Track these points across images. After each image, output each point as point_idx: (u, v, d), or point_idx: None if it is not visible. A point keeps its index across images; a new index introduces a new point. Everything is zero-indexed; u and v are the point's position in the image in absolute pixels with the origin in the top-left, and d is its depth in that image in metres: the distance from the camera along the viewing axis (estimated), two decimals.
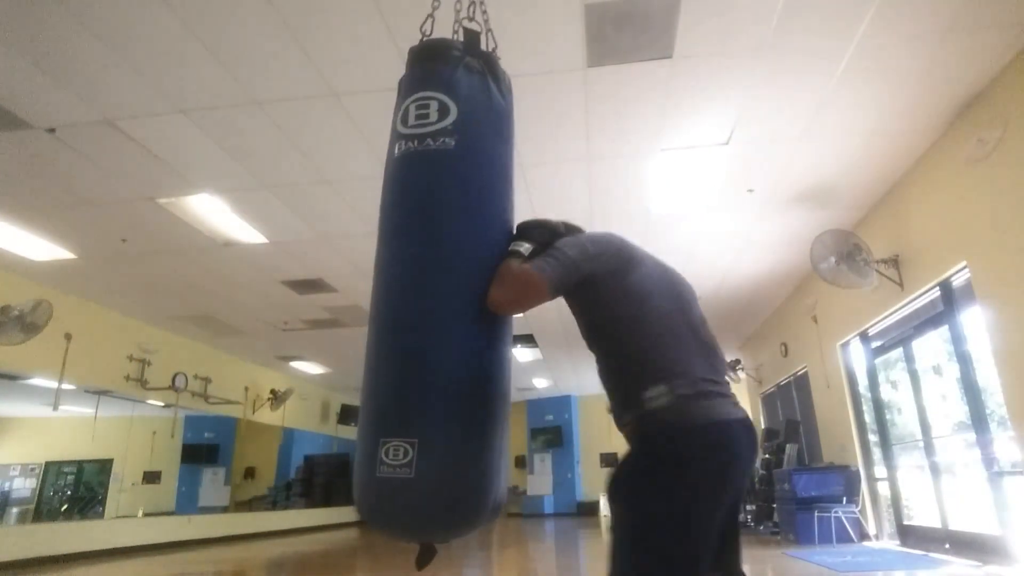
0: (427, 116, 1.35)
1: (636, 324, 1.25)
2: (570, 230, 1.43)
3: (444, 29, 1.61)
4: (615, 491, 1.21)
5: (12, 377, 6.35)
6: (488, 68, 1.45)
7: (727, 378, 1.29)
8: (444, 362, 1.22)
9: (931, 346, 5.09)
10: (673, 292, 1.33)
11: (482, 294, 1.26)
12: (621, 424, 1.27)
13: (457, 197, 1.31)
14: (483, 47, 1.49)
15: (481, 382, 1.26)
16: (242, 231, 5.29)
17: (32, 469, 7.92)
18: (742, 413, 1.24)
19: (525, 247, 1.32)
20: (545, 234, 1.37)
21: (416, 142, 1.35)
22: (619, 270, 1.28)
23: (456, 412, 1.21)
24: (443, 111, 1.34)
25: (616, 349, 1.28)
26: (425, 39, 1.52)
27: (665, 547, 1.11)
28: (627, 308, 1.26)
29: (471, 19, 1.54)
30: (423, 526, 1.20)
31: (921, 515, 5.22)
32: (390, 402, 1.23)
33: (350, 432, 12.90)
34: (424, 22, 1.61)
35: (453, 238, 1.28)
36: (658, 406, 1.18)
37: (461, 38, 1.49)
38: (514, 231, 1.39)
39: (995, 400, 4.12)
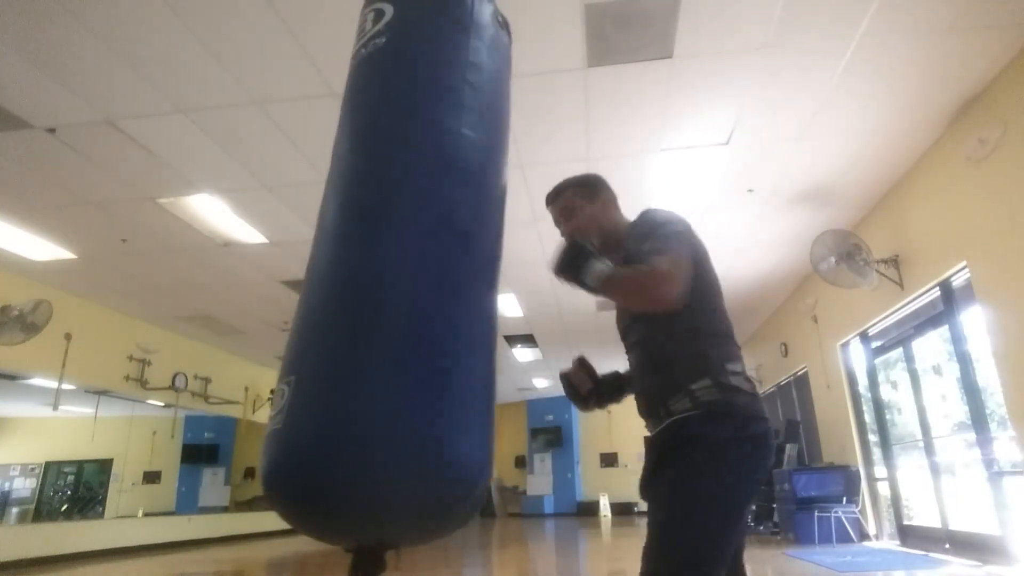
0: (364, 29, 1.24)
1: (713, 312, 1.30)
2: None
3: None
4: (673, 469, 1.17)
5: (12, 377, 6.35)
6: None
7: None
8: (358, 282, 0.95)
9: (931, 346, 5.09)
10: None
11: (417, 195, 1.04)
12: (674, 400, 1.21)
13: (388, 93, 1.13)
14: None
15: (428, 295, 0.96)
16: (242, 231, 5.29)
17: (32, 469, 7.92)
18: None
19: (602, 263, 1.22)
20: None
21: (355, 58, 1.24)
22: (702, 257, 1.32)
23: (353, 333, 0.89)
24: (378, 16, 1.22)
25: (690, 327, 1.26)
26: None
27: (721, 530, 1.13)
28: (708, 296, 1.30)
29: None
30: (304, 501, 0.84)
31: (921, 515, 5.22)
32: (290, 336, 0.99)
33: None
34: None
35: (388, 138, 1.10)
36: (736, 386, 1.21)
37: None
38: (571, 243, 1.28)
39: (995, 400, 4.12)
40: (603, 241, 1.38)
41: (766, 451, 1.19)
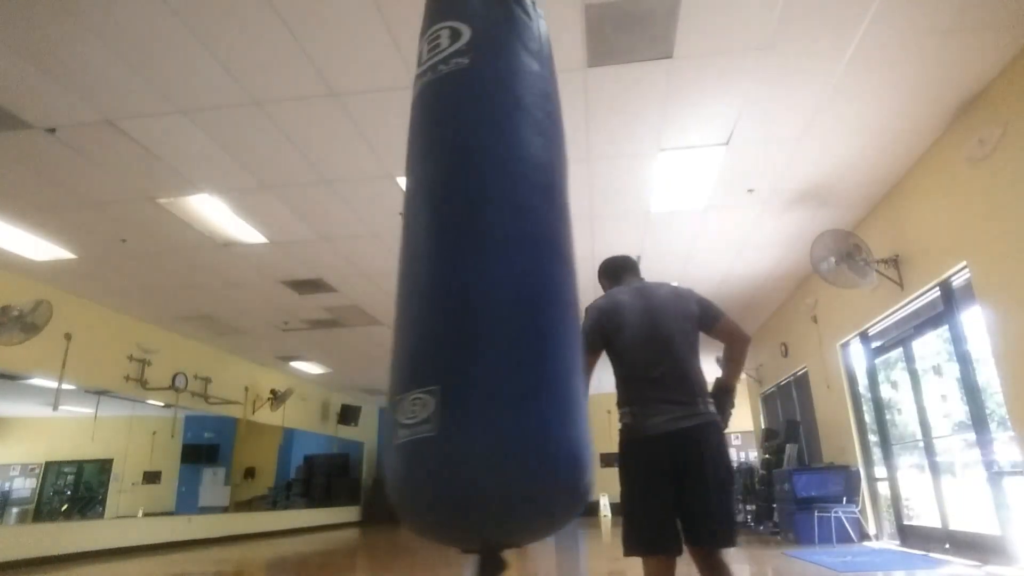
0: (439, 46, 1.22)
1: (623, 367, 2.09)
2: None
3: None
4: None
5: (12, 377, 6.34)
6: None
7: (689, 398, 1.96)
8: (479, 289, 0.99)
9: (931, 346, 5.09)
10: (646, 345, 2.03)
11: (523, 213, 1.08)
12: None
13: (478, 114, 1.14)
14: None
15: (532, 302, 1.00)
16: (242, 231, 5.29)
17: (32, 469, 7.91)
18: (675, 427, 1.90)
19: None
20: None
21: (430, 73, 1.20)
22: (609, 337, 2.07)
23: (496, 342, 0.94)
24: (455, 35, 1.20)
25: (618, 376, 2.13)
26: None
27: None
28: (623, 356, 2.07)
29: None
30: (460, 506, 0.87)
31: (921, 515, 5.22)
32: (408, 348, 1.01)
33: (350, 432, 12.89)
34: None
35: (480, 155, 1.10)
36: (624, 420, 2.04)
37: None
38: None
39: (995, 400, 4.12)
40: None
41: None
